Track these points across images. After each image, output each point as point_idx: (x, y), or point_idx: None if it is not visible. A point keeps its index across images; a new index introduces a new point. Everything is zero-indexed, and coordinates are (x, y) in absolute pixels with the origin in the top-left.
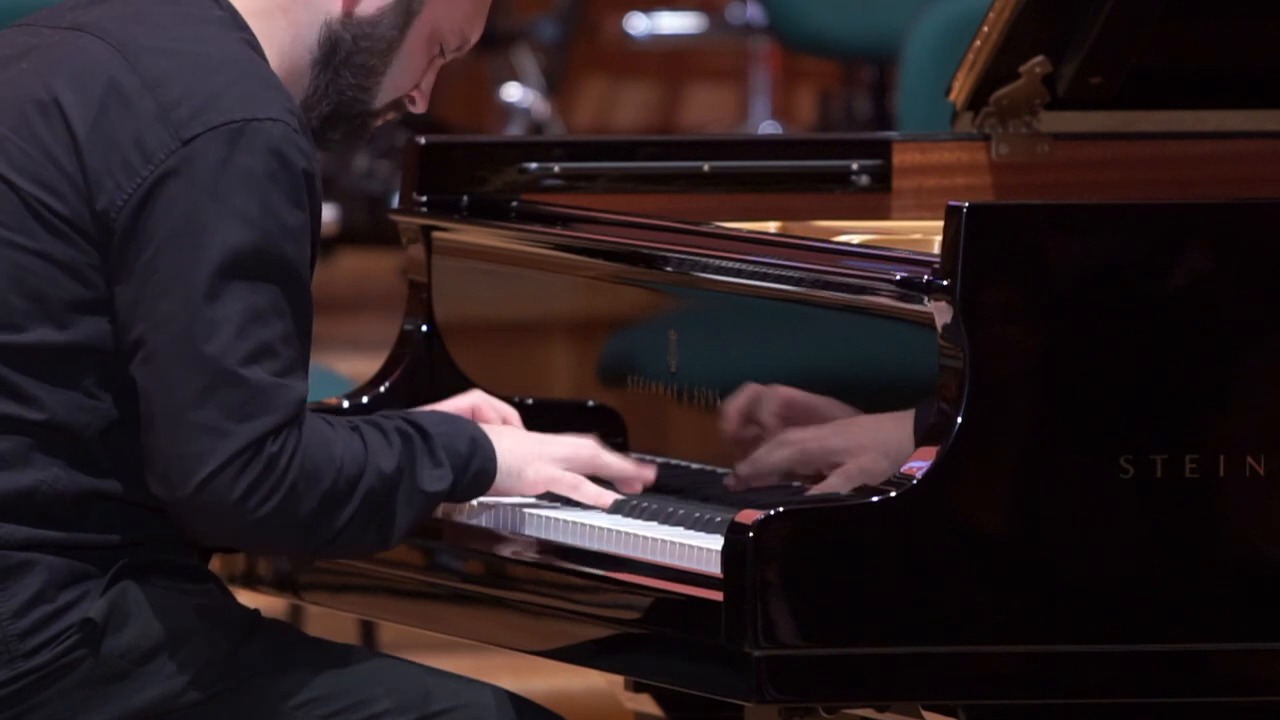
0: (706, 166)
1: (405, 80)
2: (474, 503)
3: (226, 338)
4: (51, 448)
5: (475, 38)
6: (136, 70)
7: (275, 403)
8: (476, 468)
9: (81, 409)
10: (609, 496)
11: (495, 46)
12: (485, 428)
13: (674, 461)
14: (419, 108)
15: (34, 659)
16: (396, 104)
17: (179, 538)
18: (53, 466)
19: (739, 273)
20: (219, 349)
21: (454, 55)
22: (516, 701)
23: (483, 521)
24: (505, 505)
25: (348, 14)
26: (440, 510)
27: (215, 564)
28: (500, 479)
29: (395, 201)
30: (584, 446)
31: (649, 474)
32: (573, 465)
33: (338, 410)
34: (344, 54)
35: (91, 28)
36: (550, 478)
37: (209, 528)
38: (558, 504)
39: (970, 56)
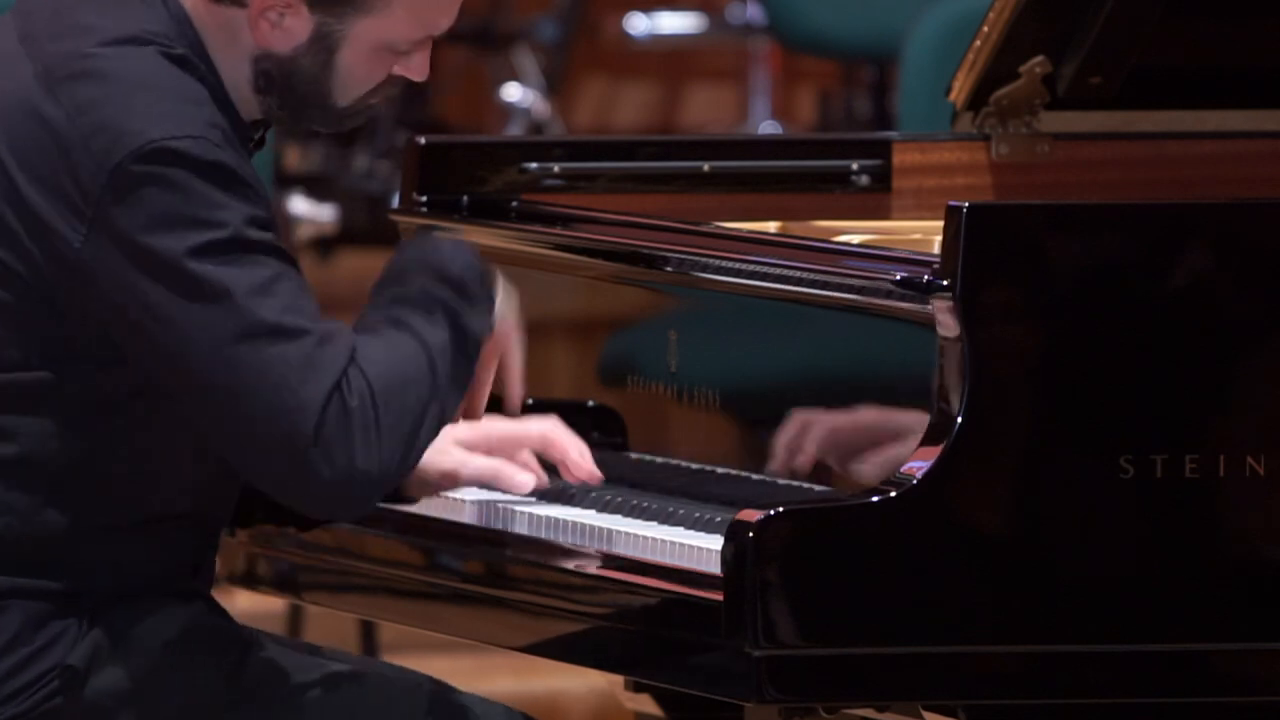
0: (706, 166)
1: (363, 84)
2: (470, 501)
3: (242, 308)
4: (24, 483)
5: (446, 24)
6: (59, 98)
7: (323, 343)
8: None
9: (52, 440)
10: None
11: (495, 46)
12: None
13: (674, 461)
14: (419, 78)
15: (13, 705)
16: (381, 89)
17: (166, 558)
18: (22, 503)
19: (739, 273)
20: (241, 320)
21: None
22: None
23: (482, 521)
24: (505, 505)
25: (265, 53)
26: (438, 510)
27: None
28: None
29: (395, 201)
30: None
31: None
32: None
33: None
34: (278, 82)
35: (26, 39)
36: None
37: (339, 494)
38: (558, 504)
39: (970, 56)
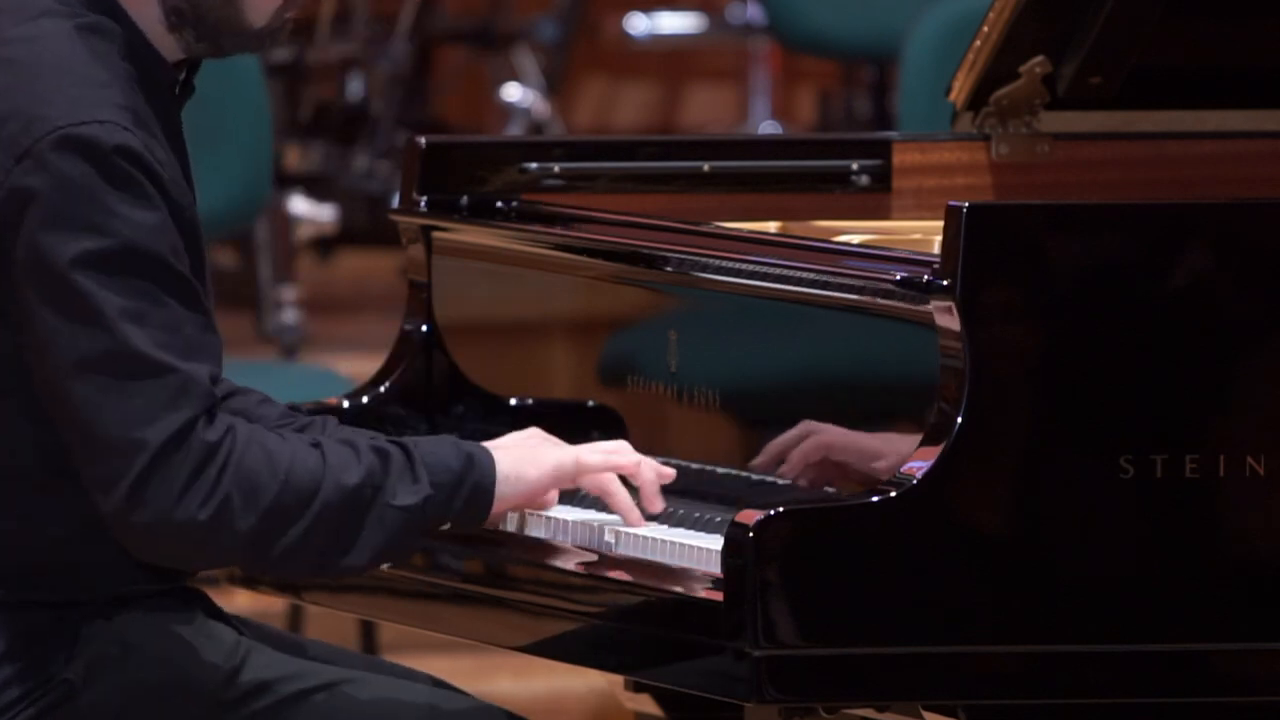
0: (706, 166)
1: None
2: None
3: (110, 330)
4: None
5: None
6: None
7: (185, 386)
8: (473, 482)
9: (22, 440)
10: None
11: (495, 46)
12: (490, 443)
13: (674, 461)
14: None
15: (8, 717)
16: (292, 1)
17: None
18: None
19: (739, 273)
20: (107, 343)
21: None
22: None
23: (510, 526)
24: None
25: None
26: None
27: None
28: (502, 486)
29: (395, 201)
30: (587, 451)
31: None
32: (567, 468)
33: (337, 410)
34: (188, 15)
35: None
36: (554, 468)
37: (148, 542)
38: (557, 504)
39: (970, 56)
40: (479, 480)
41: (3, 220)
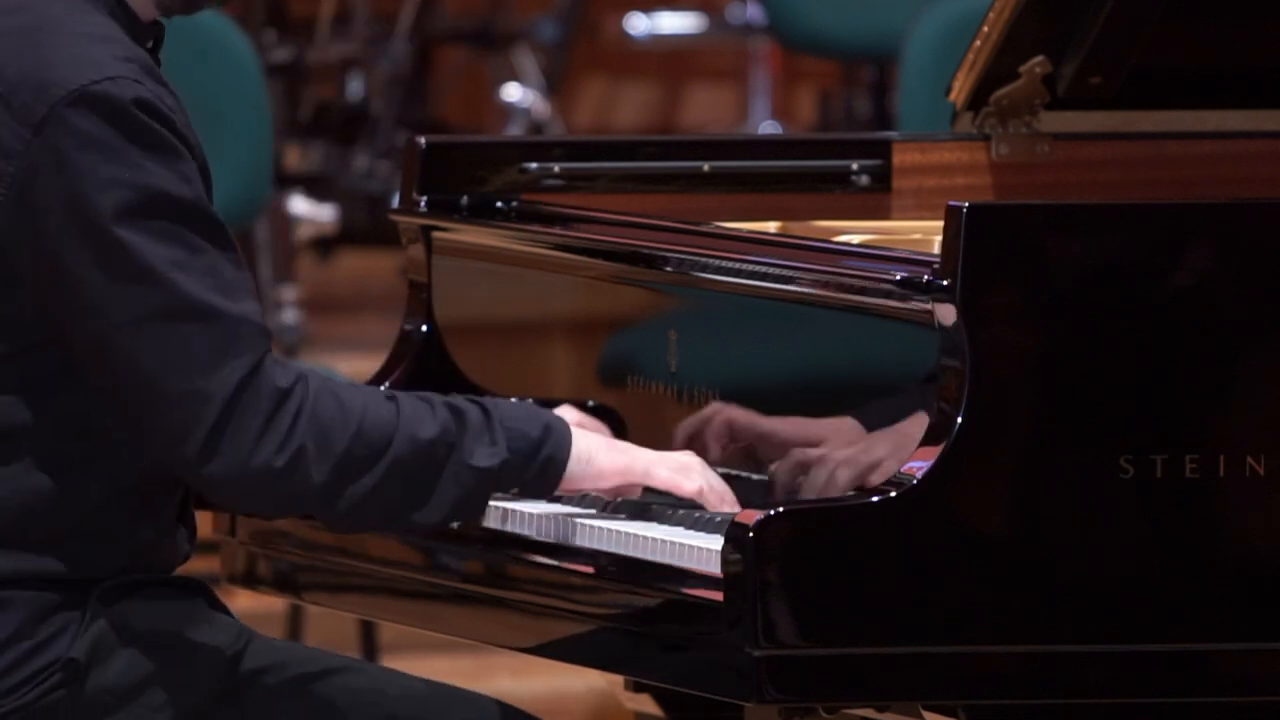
0: (706, 166)
1: None
2: None
3: (160, 282)
4: (5, 459)
5: None
6: None
7: (240, 329)
8: (547, 454)
9: (22, 412)
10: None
11: (495, 46)
12: (574, 427)
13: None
14: None
15: (15, 698)
16: None
17: (165, 549)
18: (7, 480)
19: (739, 273)
20: (161, 294)
21: None
22: (517, 716)
23: (482, 521)
24: (505, 505)
25: None
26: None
27: (215, 565)
28: (573, 465)
29: (395, 201)
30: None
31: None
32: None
33: None
34: None
35: None
36: (624, 466)
37: (226, 490)
38: (558, 504)
39: (970, 56)
40: (553, 454)
41: (30, 189)
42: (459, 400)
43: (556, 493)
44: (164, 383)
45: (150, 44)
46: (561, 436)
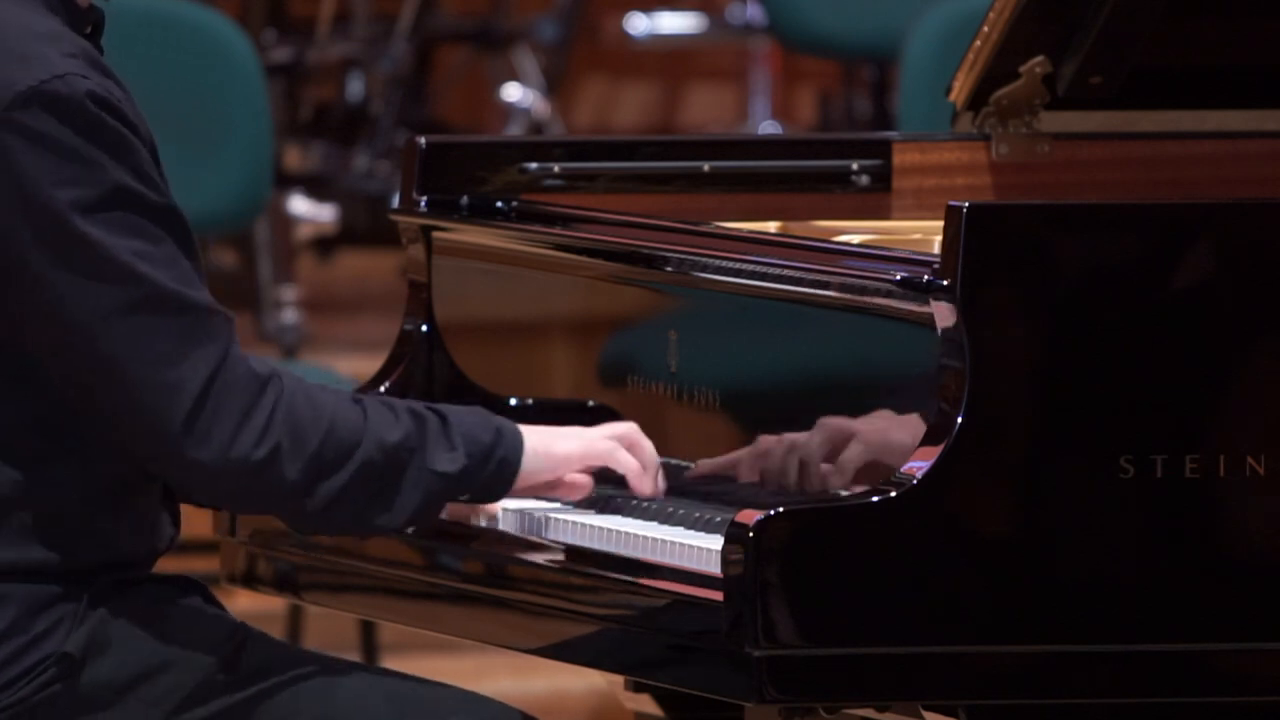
0: (706, 166)
1: None
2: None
3: (126, 275)
4: None
5: None
6: None
7: (204, 318)
8: (500, 456)
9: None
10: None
11: (495, 46)
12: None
13: (674, 461)
14: None
15: (10, 692)
16: None
17: (149, 535)
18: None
19: (739, 273)
20: (127, 288)
21: None
22: (517, 716)
23: (483, 521)
24: (505, 506)
25: None
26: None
27: (215, 565)
28: (530, 461)
29: (395, 201)
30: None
31: (650, 487)
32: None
33: None
34: None
35: None
36: (583, 448)
37: (207, 480)
38: (557, 503)
39: (970, 56)
40: (506, 455)
41: None
42: (418, 406)
43: (529, 493)
44: (136, 374)
45: (89, 29)
46: (512, 438)
